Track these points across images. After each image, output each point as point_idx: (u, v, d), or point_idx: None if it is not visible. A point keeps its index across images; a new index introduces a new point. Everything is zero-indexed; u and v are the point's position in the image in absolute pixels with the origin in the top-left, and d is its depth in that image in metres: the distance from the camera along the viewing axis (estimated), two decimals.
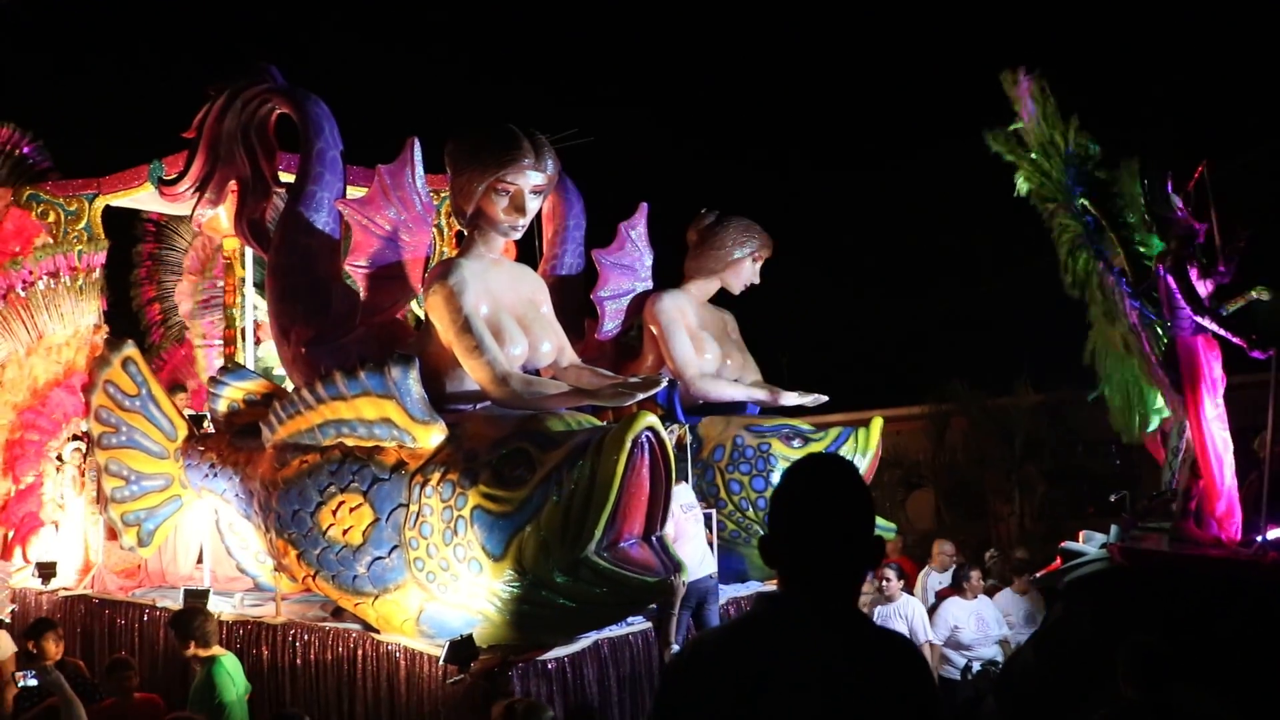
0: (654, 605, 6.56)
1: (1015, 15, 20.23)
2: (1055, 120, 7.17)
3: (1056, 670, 6.09)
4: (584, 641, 6.97)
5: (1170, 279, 6.30)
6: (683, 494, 8.10)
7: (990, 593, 8.96)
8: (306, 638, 7.54)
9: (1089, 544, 6.88)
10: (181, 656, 7.22)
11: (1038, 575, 7.31)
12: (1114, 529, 6.79)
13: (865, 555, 2.24)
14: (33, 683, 6.50)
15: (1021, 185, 7.34)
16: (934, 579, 9.74)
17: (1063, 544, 7.00)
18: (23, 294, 9.93)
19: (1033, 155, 7.16)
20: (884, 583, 8.53)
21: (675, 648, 6.24)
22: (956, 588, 8.71)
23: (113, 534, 9.00)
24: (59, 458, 10.08)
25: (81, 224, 10.83)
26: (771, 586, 9.06)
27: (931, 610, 8.69)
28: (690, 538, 7.92)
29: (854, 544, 2.22)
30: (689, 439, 8.70)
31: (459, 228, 10.26)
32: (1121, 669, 4.62)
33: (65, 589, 9.40)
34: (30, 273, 9.98)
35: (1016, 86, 7.14)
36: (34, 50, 20.91)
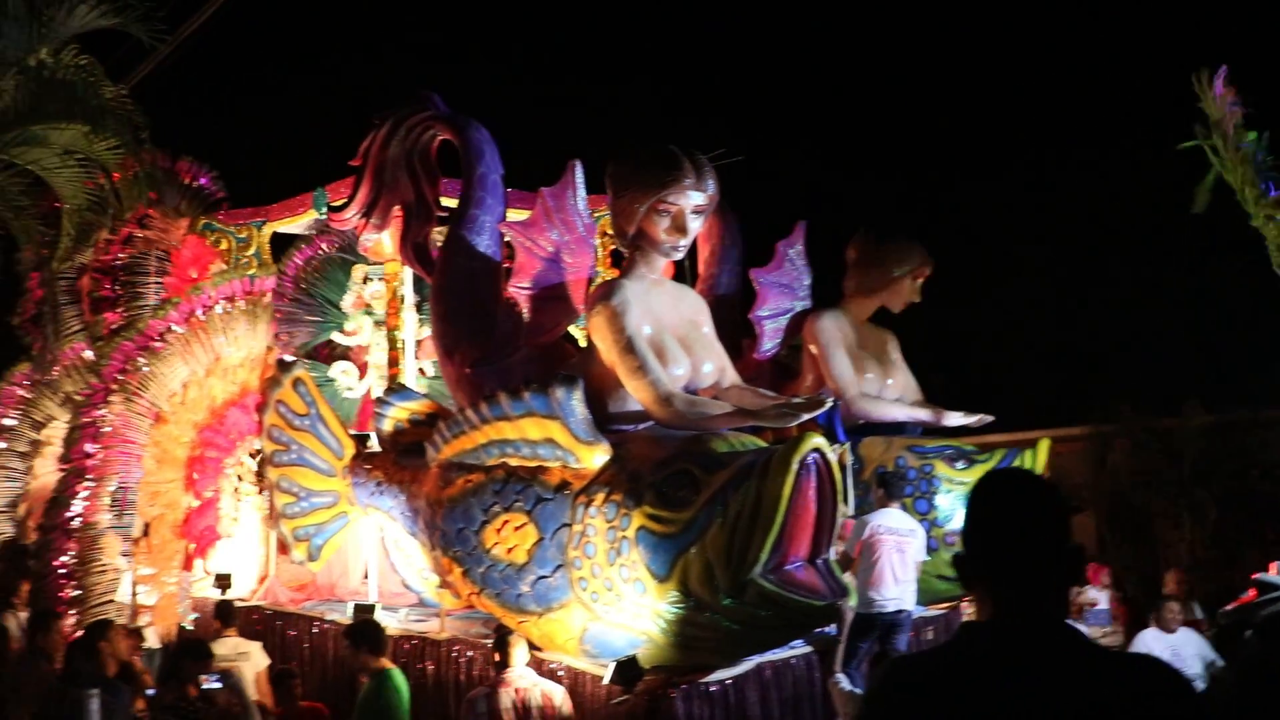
0: (829, 629, 6.43)
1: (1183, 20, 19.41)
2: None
3: (1259, 712, 5.73)
4: (747, 664, 6.91)
5: None
6: (888, 517, 7.98)
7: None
8: (470, 654, 7.67)
9: None
10: (353, 666, 7.45)
11: (1227, 608, 6.89)
12: None
13: (1073, 569, 2.16)
14: (216, 685, 6.75)
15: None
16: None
17: (1256, 575, 6.61)
18: (202, 318, 10.40)
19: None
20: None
21: (840, 677, 6.06)
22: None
23: (284, 548, 9.33)
24: (238, 476, 10.55)
25: (251, 250, 11.31)
26: (934, 612, 8.88)
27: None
28: (886, 563, 7.78)
29: (1063, 559, 2.13)
30: (849, 460, 8.56)
31: (613, 246, 10.41)
32: None
33: (240, 599, 9.77)
34: (209, 298, 10.46)
35: (1211, 87, 6.85)
36: (204, 85, 22.01)
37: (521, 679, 6.44)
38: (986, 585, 2.13)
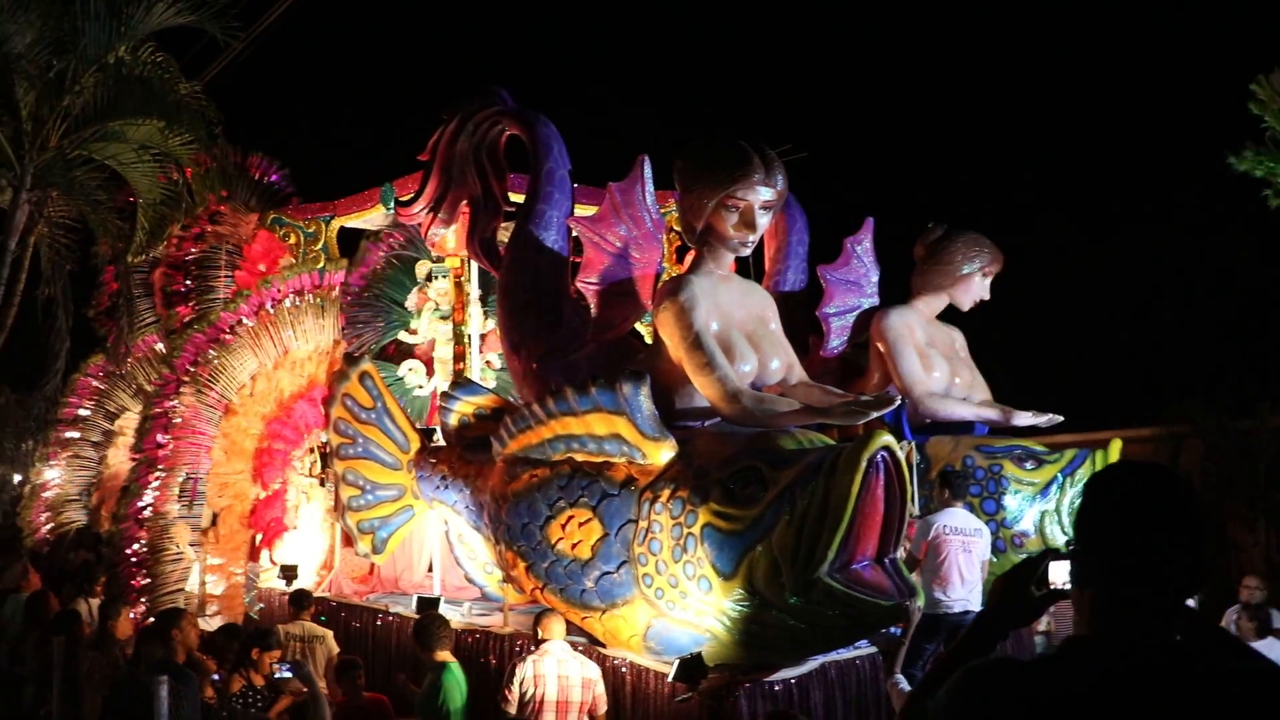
0: (896, 629, 6.34)
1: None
2: None
3: None
4: (811, 664, 6.85)
5: None
6: (953, 517, 7.89)
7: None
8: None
9: None
10: (423, 661, 7.50)
11: None
12: None
13: (1199, 579, 1.96)
14: (287, 674, 6.82)
15: None
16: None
17: None
18: (271, 311, 10.54)
19: None
20: None
21: (899, 678, 5.97)
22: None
23: (349, 540, 9.42)
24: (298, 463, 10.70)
25: (319, 245, 11.43)
26: None
27: None
28: (953, 563, 7.70)
29: (1191, 568, 1.93)
30: (916, 458, 8.45)
31: (679, 242, 10.38)
32: None
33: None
34: (278, 291, 10.60)
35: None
36: (275, 81, 22.35)
37: (561, 650, 6.73)
38: (1098, 588, 1.96)
